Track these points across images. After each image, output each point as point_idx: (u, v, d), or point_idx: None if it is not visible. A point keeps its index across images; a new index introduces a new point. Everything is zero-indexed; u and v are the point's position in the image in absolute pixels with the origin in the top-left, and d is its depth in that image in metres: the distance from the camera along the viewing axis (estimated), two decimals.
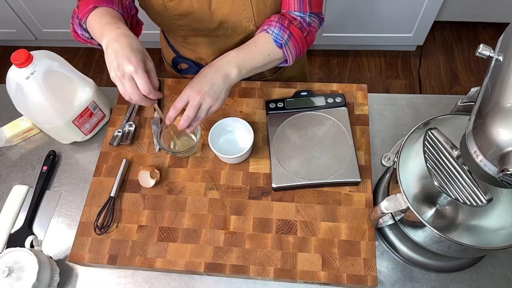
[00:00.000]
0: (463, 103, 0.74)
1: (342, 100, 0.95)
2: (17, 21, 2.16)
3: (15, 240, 0.89)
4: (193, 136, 0.95)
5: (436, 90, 2.13)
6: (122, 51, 0.65)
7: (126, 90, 0.67)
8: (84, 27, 0.77)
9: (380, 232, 0.84)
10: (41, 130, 1.03)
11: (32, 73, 0.82)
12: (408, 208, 0.66)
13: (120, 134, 0.96)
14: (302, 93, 0.97)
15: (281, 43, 0.83)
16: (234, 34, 0.91)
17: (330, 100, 0.95)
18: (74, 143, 1.01)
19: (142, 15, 0.89)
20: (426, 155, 0.66)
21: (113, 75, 0.67)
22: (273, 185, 0.85)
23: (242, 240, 0.82)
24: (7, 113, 1.04)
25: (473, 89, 0.71)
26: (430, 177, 0.64)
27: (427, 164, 0.65)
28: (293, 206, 0.85)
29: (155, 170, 0.88)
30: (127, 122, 0.98)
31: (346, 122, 0.92)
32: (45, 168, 0.96)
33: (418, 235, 0.72)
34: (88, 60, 2.40)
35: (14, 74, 0.83)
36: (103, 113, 1.01)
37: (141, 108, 1.01)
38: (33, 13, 2.11)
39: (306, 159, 0.88)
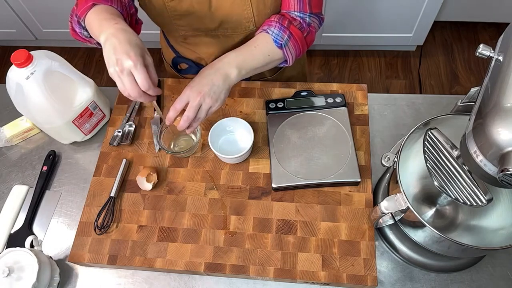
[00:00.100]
0: (463, 103, 0.74)
1: (342, 100, 0.95)
2: (17, 21, 2.16)
3: (15, 240, 0.89)
4: (193, 136, 0.95)
5: (436, 90, 2.13)
6: (121, 47, 0.64)
7: (124, 85, 0.66)
8: (83, 25, 0.77)
9: (380, 232, 0.84)
10: (41, 130, 1.03)
11: (32, 73, 0.82)
12: (408, 208, 0.66)
13: (120, 134, 0.96)
14: (302, 93, 0.97)
15: (281, 44, 0.83)
16: (234, 34, 0.91)
17: (330, 100, 0.95)
18: (74, 143, 1.01)
19: (142, 15, 0.89)
20: (426, 155, 0.66)
21: (112, 70, 0.66)
22: (273, 185, 0.85)
23: (242, 240, 0.82)
24: (7, 113, 1.05)
25: (473, 89, 0.71)
26: (430, 177, 0.64)
27: (427, 164, 0.65)
28: (293, 206, 0.85)
29: (151, 173, 0.88)
30: (127, 122, 0.98)
31: (346, 122, 0.92)
32: (45, 168, 0.96)
33: (418, 235, 0.72)
34: (88, 60, 2.40)
35: (14, 74, 0.83)
36: (103, 113, 1.01)
37: (141, 108, 1.01)
38: (33, 13, 2.11)
39: (306, 159, 0.88)
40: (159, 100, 1.01)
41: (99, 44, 0.72)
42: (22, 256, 0.78)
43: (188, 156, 0.93)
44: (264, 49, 0.83)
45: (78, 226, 0.86)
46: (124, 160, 0.92)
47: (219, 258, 0.80)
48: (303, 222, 0.83)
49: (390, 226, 0.81)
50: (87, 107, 0.95)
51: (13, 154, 1.02)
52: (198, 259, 0.80)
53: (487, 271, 0.80)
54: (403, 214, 0.71)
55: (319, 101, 0.95)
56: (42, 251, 0.87)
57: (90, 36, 0.78)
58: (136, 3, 0.86)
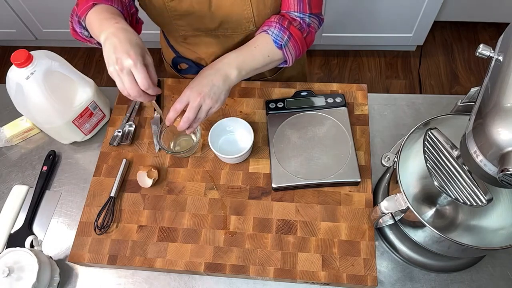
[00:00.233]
0: (463, 103, 0.74)
1: (342, 100, 0.95)
2: (17, 21, 2.16)
3: (15, 240, 0.89)
4: (193, 136, 0.95)
5: (436, 90, 2.13)
6: (121, 46, 0.64)
7: (124, 85, 0.66)
8: (83, 25, 0.77)
9: (380, 232, 0.84)
10: (41, 130, 1.03)
11: (32, 73, 0.82)
12: (408, 208, 0.66)
13: (120, 134, 0.96)
14: (302, 93, 0.97)
15: (281, 44, 0.83)
16: (234, 34, 0.91)
17: (330, 100, 0.95)
18: (74, 143, 1.01)
19: (142, 15, 0.89)
20: (426, 155, 0.66)
21: (112, 69, 0.66)
22: (273, 185, 0.85)
23: (242, 240, 0.82)
24: (7, 113, 1.05)
25: (473, 89, 0.71)
26: (430, 177, 0.64)
27: (427, 164, 0.65)
28: (293, 206, 0.85)
29: (153, 169, 0.88)
30: (127, 122, 0.98)
31: (346, 122, 0.92)
32: (45, 168, 0.96)
33: (418, 235, 0.72)
34: (88, 60, 2.40)
35: (14, 74, 0.83)
36: (103, 113, 1.01)
37: (141, 108, 1.01)
38: (33, 13, 2.11)
39: (306, 159, 0.88)
40: (159, 99, 1.01)
41: (99, 44, 0.72)
42: (22, 256, 0.78)
43: (188, 156, 0.93)
44: (264, 49, 0.83)
45: (78, 226, 0.86)
46: (124, 160, 0.92)
47: (219, 258, 0.80)
48: (303, 222, 0.83)
49: (390, 226, 0.81)
50: (87, 107, 0.95)
51: (13, 154, 1.02)
52: (198, 259, 0.80)
53: (487, 271, 0.80)
54: (403, 214, 0.71)
55: (319, 101, 0.95)
56: (42, 251, 0.87)
57: (91, 36, 0.78)
58: (136, 3, 0.86)
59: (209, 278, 0.82)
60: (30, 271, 0.76)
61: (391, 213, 0.73)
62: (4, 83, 0.86)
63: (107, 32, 0.67)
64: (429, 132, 0.66)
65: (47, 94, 0.85)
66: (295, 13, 0.85)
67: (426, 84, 2.15)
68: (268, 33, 0.83)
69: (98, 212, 0.86)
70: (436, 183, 0.64)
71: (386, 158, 0.74)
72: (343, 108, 0.94)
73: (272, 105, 0.95)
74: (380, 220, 0.75)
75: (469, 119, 0.56)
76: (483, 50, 0.55)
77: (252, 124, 0.91)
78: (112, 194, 0.87)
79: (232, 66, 0.79)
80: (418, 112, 0.99)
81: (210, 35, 0.92)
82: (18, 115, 0.98)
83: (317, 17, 0.88)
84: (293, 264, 0.79)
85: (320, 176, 0.85)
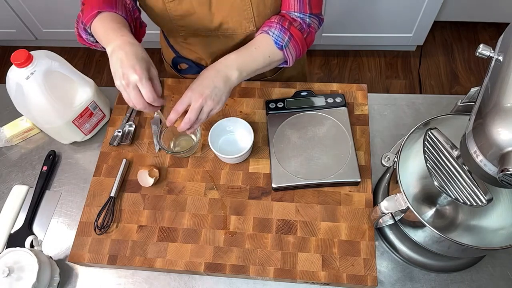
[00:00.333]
0: (463, 103, 0.74)
1: (342, 100, 0.95)
2: (17, 21, 2.16)
3: (15, 240, 0.89)
4: (193, 136, 0.95)
5: (436, 90, 2.13)
6: (128, 60, 0.66)
7: (130, 98, 0.68)
8: (89, 31, 0.78)
9: (380, 232, 0.84)
10: (41, 130, 1.03)
11: (32, 73, 0.82)
12: (408, 208, 0.66)
13: (120, 134, 0.96)
14: (302, 93, 0.97)
15: (282, 45, 0.83)
16: (234, 34, 0.91)
17: (330, 100, 0.95)
18: (74, 143, 1.01)
19: (142, 15, 0.89)
20: (426, 155, 0.66)
21: (118, 83, 0.68)
22: (273, 185, 0.85)
23: (242, 240, 0.82)
24: (7, 113, 1.05)
25: (473, 89, 0.71)
26: (430, 177, 0.64)
27: (427, 164, 0.65)
28: (293, 206, 0.85)
29: (154, 169, 0.88)
30: (127, 122, 0.98)
31: (346, 122, 0.92)
32: (45, 168, 0.96)
33: (418, 235, 0.72)
34: (88, 60, 2.40)
35: (14, 74, 0.83)
36: (103, 113, 1.01)
37: None
38: (33, 13, 2.11)
39: (306, 159, 0.88)
40: None
41: (105, 48, 0.73)
42: (22, 256, 0.78)
43: (188, 156, 0.93)
44: (264, 50, 0.83)
45: (78, 226, 0.86)
46: (124, 160, 0.92)
47: (219, 258, 0.80)
48: (303, 222, 0.83)
49: (390, 226, 0.81)
50: (87, 107, 0.95)
51: (13, 154, 1.02)
52: (198, 259, 0.80)
53: (487, 271, 0.80)
54: (403, 214, 0.71)
55: (319, 101, 0.95)
56: (42, 251, 0.87)
57: (97, 41, 0.79)
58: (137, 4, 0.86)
59: (209, 278, 0.82)
60: (30, 271, 0.76)
61: (391, 213, 0.73)
62: (4, 83, 0.86)
63: (114, 45, 0.68)
64: (429, 132, 0.66)
65: (47, 94, 0.85)
66: (295, 14, 0.85)
67: (426, 84, 2.15)
68: (268, 33, 0.83)
69: (98, 212, 0.86)
70: (436, 183, 0.64)
71: (386, 158, 0.74)
72: (343, 108, 0.94)
73: (272, 105, 0.95)
74: (380, 220, 0.75)
75: (469, 119, 0.56)
76: (483, 50, 0.55)
77: (252, 124, 0.91)
78: (112, 194, 0.87)
79: (232, 68, 0.79)
80: (418, 112, 0.99)
81: (210, 35, 0.92)
82: (18, 115, 0.98)
83: (317, 17, 0.88)
84: (293, 264, 0.79)
85: (320, 176, 0.85)
